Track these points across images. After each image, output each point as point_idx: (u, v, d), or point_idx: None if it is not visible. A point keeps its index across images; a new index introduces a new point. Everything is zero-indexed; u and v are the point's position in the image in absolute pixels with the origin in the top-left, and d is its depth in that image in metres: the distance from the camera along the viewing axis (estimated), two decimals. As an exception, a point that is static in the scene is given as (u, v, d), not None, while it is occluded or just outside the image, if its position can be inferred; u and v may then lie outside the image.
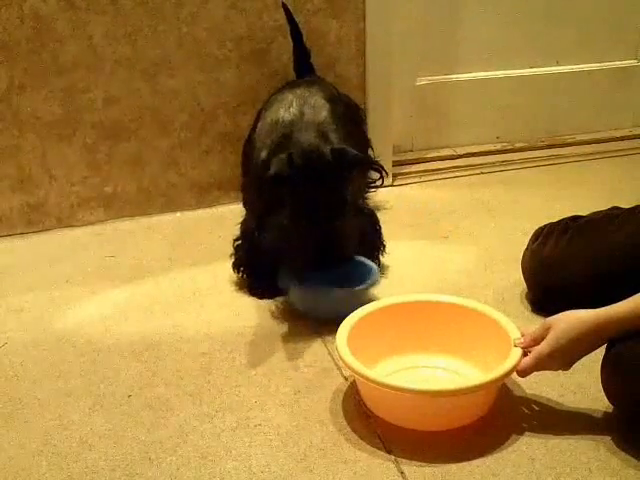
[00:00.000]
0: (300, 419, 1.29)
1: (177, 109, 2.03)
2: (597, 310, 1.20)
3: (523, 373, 1.25)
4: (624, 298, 1.19)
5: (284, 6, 1.96)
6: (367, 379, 1.23)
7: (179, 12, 1.95)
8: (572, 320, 1.21)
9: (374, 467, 1.19)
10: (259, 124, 1.71)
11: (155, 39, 1.95)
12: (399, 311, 1.42)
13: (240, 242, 1.71)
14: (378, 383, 1.22)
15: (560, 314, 1.23)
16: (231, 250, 1.70)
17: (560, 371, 1.25)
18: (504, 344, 1.29)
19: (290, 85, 1.81)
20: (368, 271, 1.60)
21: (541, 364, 1.23)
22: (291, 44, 1.98)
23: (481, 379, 1.25)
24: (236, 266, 1.72)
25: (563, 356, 1.22)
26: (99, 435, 1.27)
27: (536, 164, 2.34)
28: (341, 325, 1.35)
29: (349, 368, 1.26)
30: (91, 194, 2.03)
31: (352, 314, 1.38)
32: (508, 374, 1.24)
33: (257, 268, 1.68)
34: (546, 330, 1.23)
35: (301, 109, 1.64)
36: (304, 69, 1.97)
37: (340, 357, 1.28)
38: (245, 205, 1.75)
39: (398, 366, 1.39)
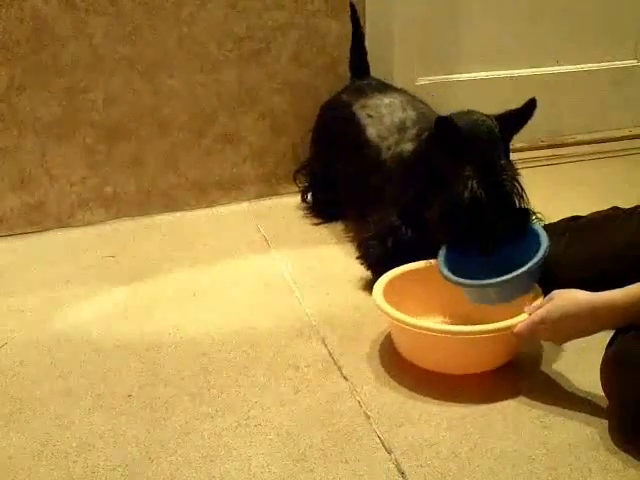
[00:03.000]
0: (300, 419, 1.29)
1: (177, 109, 2.03)
2: (595, 294, 1.24)
3: (518, 335, 1.32)
4: None
5: (352, 6, 2.00)
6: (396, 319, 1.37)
7: (179, 12, 1.95)
8: (569, 298, 1.27)
9: (374, 467, 1.19)
10: (370, 129, 1.79)
11: (155, 39, 1.95)
12: (425, 274, 1.52)
13: (376, 241, 1.67)
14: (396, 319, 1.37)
15: (564, 290, 1.29)
16: (232, 250, 1.70)
17: (560, 372, 1.25)
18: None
19: (374, 90, 1.91)
20: (535, 243, 1.45)
21: (532, 329, 1.30)
22: (349, 42, 2.03)
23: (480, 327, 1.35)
24: (373, 265, 1.68)
25: (553, 327, 1.28)
26: (99, 435, 1.27)
27: (536, 164, 2.34)
28: (376, 283, 1.47)
29: (388, 315, 1.38)
30: (91, 194, 2.03)
31: (387, 273, 1.50)
32: (503, 329, 1.32)
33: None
34: (548, 300, 1.30)
35: (418, 110, 1.79)
36: (361, 68, 2.02)
37: (379, 307, 1.40)
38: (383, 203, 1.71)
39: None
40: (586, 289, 1.42)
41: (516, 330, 1.31)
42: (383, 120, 1.80)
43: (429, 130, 1.57)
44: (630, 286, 1.20)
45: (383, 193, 1.71)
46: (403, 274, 1.52)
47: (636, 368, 1.16)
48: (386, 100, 1.85)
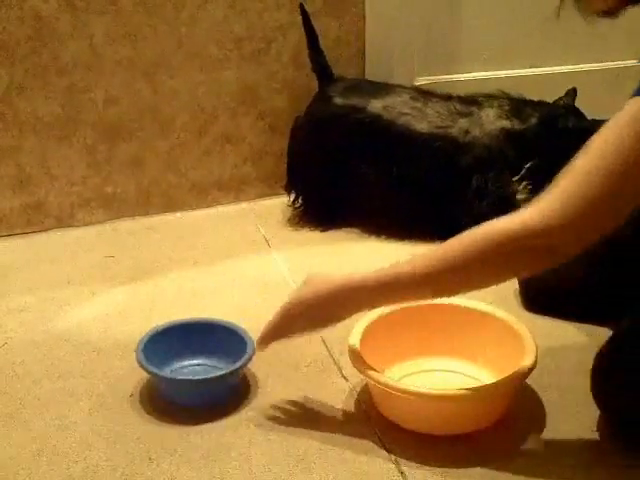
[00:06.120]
0: (300, 419, 1.29)
1: (177, 109, 2.03)
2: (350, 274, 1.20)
3: (266, 335, 1.27)
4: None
5: (301, 6, 1.96)
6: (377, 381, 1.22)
7: (179, 12, 1.95)
8: (322, 279, 1.21)
9: (374, 467, 1.19)
10: (416, 124, 1.83)
11: (155, 39, 1.95)
12: (411, 314, 1.36)
13: None
14: (381, 383, 1.22)
15: (319, 272, 1.23)
16: (232, 250, 1.69)
17: (559, 372, 1.25)
18: (517, 346, 1.26)
19: (368, 90, 1.92)
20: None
21: (286, 315, 1.23)
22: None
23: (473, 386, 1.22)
24: None
25: (308, 311, 1.21)
26: (99, 435, 1.27)
27: (536, 164, 2.34)
28: (352, 331, 1.31)
29: (362, 373, 1.24)
30: (91, 194, 2.03)
31: (364, 318, 1.33)
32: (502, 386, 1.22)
33: None
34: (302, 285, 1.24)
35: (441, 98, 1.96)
36: (327, 69, 1.98)
37: (353, 362, 1.26)
38: None
39: (410, 370, 1.35)
40: (582, 288, 1.43)
41: (266, 327, 1.25)
42: (425, 112, 1.84)
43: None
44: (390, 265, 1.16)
45: (479, 173, 1.81)
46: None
47: (621, 381, 1.16)
48: (398, 98, 1.87)
